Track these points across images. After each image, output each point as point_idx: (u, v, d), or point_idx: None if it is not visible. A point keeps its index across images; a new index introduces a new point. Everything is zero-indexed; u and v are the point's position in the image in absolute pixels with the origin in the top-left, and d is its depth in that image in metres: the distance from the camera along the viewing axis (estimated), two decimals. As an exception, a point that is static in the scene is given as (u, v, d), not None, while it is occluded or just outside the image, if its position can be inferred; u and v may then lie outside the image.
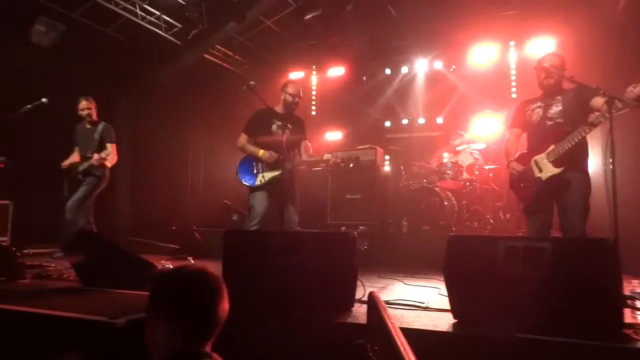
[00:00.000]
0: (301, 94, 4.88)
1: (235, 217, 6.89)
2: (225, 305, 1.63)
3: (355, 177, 6.75)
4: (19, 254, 4.31)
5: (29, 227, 6.26)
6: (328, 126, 9.24)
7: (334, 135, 9.38)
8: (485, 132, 7.60)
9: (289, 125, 4.69)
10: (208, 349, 1.59)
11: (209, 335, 1.59)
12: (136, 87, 8.01)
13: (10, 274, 3.96)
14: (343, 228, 6.60)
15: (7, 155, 6.15)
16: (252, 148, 4.72)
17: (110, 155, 5.34)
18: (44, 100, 4.90)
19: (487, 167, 6.98)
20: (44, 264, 4.84)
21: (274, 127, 4.69)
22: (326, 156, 7.61)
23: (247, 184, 4.68)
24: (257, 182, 4.65)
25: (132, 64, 7.77)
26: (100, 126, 5.59)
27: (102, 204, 7.03)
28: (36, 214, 6.09)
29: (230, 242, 3.13)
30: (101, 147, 5.44)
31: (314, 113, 9.71)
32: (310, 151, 5.05)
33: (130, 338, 2.30)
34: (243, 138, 4.77)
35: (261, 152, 4.67)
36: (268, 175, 4.65)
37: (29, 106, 4.83)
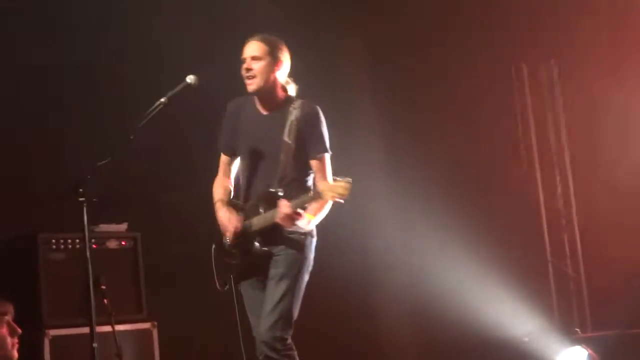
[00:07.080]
0: None
1: None
2: None
3: None
4: None
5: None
6: None
7: None
8: None
9: None
10: None
11: None
12: (372, 21, 7.45)
13: None
14: None
15: (138, 221, 5.49)
16: None
17: (334, 191, 3.59)
18: (189, 80, 4.06)
19: None
20: None
21: None
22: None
23: None
24: None
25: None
26: (295, 111, 4.00)
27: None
28: (198, 337, 5.58)
29: None
30: (300, 165, 4.03)
31: None
32: None
33: None
34: None
35: None
36: None
37: (170, 93, 3.99)
